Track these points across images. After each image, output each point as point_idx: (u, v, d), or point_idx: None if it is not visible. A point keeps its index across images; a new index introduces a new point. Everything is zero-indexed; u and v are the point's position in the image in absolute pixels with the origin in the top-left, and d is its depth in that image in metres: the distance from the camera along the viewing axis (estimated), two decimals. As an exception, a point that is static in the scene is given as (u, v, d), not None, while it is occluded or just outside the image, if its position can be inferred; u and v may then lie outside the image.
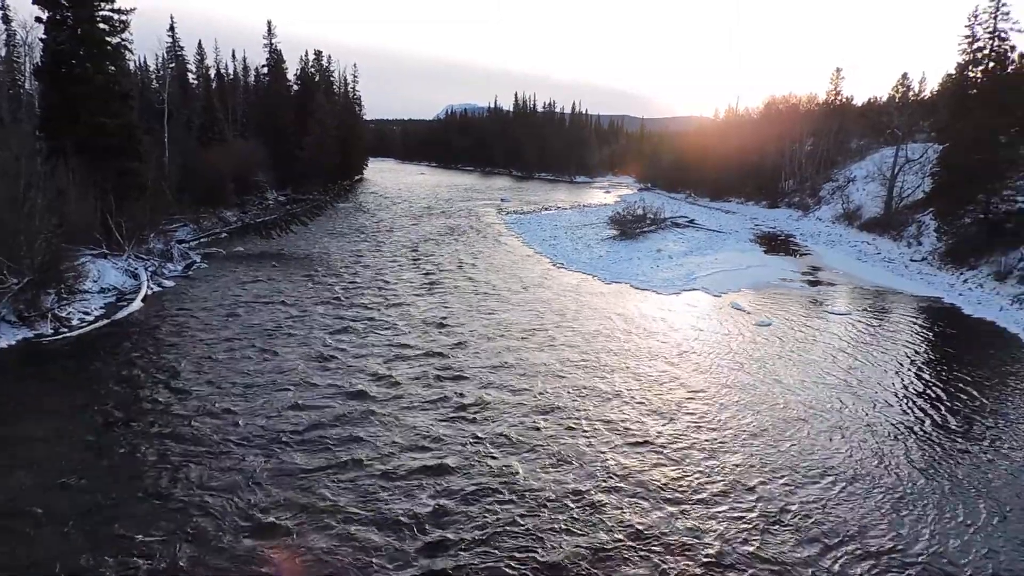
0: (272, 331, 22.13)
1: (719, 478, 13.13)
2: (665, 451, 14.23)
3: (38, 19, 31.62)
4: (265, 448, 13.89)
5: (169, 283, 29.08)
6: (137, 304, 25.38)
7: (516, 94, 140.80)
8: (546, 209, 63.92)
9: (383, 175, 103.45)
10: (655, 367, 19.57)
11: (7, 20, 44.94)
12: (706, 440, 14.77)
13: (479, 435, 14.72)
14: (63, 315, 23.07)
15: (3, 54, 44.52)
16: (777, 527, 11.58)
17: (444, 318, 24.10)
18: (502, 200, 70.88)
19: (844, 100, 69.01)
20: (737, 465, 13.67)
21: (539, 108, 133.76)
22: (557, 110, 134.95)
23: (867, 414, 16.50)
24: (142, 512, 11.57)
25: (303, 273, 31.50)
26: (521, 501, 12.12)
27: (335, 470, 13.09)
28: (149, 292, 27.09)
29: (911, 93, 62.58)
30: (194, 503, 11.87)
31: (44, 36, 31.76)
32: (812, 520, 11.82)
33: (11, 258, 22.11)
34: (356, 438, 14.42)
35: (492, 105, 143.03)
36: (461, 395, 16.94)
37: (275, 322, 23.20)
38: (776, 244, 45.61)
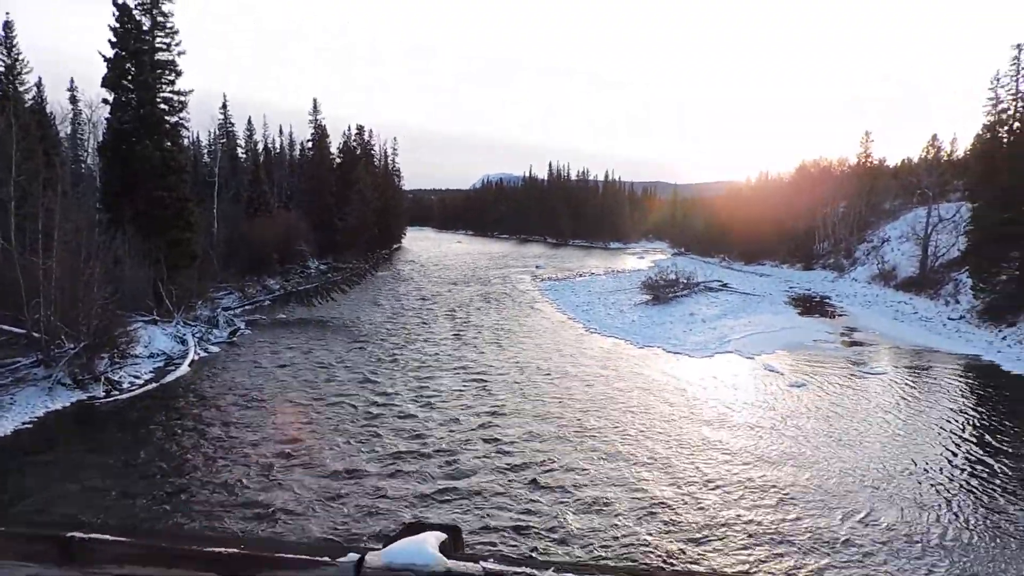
0: (307, 405, 22.16)
1: (751, 536, 13.22)
2: (686, 518, 14.37)
3: (105, 100, 34.24)
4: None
5: (215, 349, 30.24)
6: (184, 369, 26.49)
7: (551, 163, 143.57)
8: (580, 275, 64.61)
9: (421, 243, 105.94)
10: (683, 430, 19.71)
11: (74, 100, 48.52)
12: (732, 500, 14.87)
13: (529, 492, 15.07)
14: (115, 378, 24.19)
15: (69, 132, 47.78)
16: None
17: (483, 388, 24.57)
18: (537, 267, 71.90)
19: (875, 162, 69.47)
20: (767, 529, 13.74)
21: (573, 176, 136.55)
22: (591, 178, 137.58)
23: (905, 476, 16.38)
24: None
25: (341, 342, 32.26)
26: None
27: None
28: (196, 357, 28.22)
29: (942, 153, 62.85)
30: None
31: (108, 116, 34.26)
32: None
33: (69, 324, 23.52)
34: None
35: (527, 175, 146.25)
36: (501, 444, 17.37)
37: (312, 394, 23.65)
38: (811, 306, 45.38)
